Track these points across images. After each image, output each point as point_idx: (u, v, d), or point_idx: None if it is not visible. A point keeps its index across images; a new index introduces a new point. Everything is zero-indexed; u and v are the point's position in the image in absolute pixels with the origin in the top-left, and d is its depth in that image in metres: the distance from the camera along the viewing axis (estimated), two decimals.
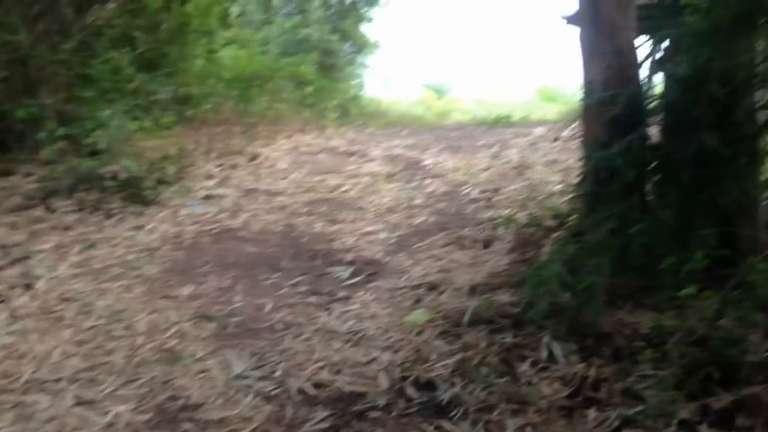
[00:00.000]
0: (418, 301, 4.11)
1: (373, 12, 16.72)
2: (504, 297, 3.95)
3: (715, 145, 3.65)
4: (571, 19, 15.46)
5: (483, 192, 6.38)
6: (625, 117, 3.93)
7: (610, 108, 3.98)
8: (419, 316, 3.88)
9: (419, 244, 5.12)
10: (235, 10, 12.86)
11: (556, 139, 8.96)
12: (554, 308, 3.55)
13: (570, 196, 5.65)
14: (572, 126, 9.39)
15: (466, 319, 3.64)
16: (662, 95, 3.86)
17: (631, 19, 4.08)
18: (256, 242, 5.19)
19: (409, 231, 5.46)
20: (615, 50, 4.02)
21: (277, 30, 14.97)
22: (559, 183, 6.50)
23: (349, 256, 4.92)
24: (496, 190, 6.37)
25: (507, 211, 5.65)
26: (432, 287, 4.26)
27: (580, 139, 4.60)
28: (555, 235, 4.56)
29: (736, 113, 3.77)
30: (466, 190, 6.53)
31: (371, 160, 8.25)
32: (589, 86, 4.18)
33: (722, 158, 3.69)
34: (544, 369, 3.22)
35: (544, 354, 3.33)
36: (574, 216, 4.73)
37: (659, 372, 3.02)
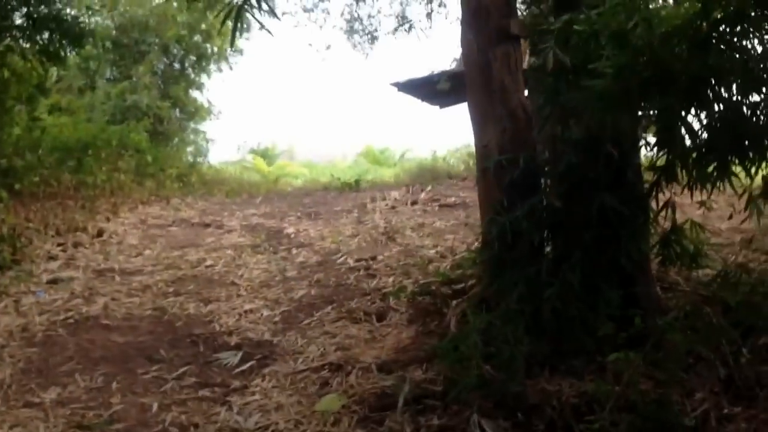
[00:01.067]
0: (324, 384, 3.77)
1: (205, 78, 16.23)
2: (417, 374, 3.72)
3: (615, 204, 3.71)
4: (402, 87, 15.99)
5: (359, 260, 6.17)
6: (525, 180, 3.92)
7: (509, 172, 3.96)
8: (331, 403, 3.54)
9: (307, 320, 4.79)
10: (53, 75, 11.86)
11: (414, 203, 9.01)
12: (478, 383, 3.36)
13: (451, 261, 5.61)
14: (427, 189, 9.55)
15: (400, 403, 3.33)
16: (558, 157, 3.87)
17: (520, 83, 4.12)
18: (124, 330, 4.59)
19: (292, 306, 5.11)
20: (509, 114, 4.02)
21: (103, 96, 14.04)
22: (433, 248, 6.46)
23: (233, 339, 4.49)
24: (372, 258, 6.18)
25: (390, 279, 5.47)
26: (336, 368, 3.94)
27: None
28: (455, 303, 4.43)
29: (627, 173, 3.89)
30: (341, 259, 6.29)
31: (230, 231, 7.80)
32: (484, 151, 4.15)
33: (622, 218, 3.76)
34: None
35: None
36: (471, 282, 4.66)
37: None
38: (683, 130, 3.47)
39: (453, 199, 8.93)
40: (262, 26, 3.80)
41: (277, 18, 4.10)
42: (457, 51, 18.57)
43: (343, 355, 4.11)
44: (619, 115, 3.31)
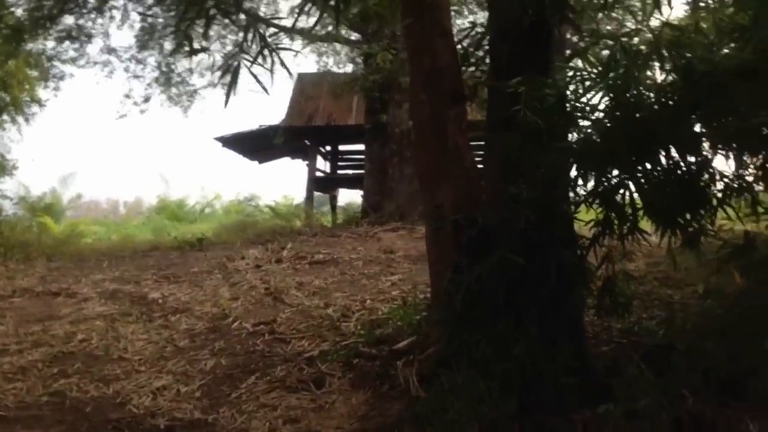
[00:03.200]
0: None
1: None
2: None
3: (574, 260, 3.87)
4: (226, 142, 15.80)
5: (257, 325, 5.82)
6: (481, 239, 3.96)
7: (466, 231, 3.98)
8: None
9: (235, 394, 4.41)
10: None
11: (279, 261, 8.74)
12: None
13: (357, 320, 5.50)
14: (288, 246, 9.34)
15: None
16: (514, 216, 3.95)
17: (469, 143, 4.20)
18: (27, 422, 3.92)
19: (208, 379, 4.68)
20: (463, 174, 4.07)
21: None
22: (327, 307, 6.29)
23: (161, 422, 4.00)
24: (271, 321, 5.86)
25: (305, 343, 5.22)
26: None
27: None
28: (400, 364, 4.32)
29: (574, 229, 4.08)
30: (235, 324, 5.89)
31: (86, 300, 7.03)
32: (437, 211, 4.14)
33: (576, 273, 3.92)
34: None
35: None
36: (409, 341, 4.58)
37: None
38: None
39: (321, 256, 8.78)
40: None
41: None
42: (282, 106, 18.66)
43: (296, 428, 3.83)
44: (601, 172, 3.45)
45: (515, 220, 3.88)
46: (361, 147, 19.30)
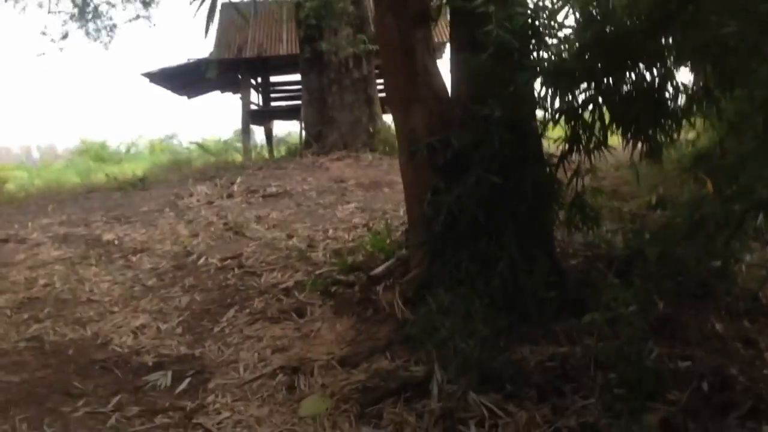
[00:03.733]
0: (290, 388, 3.56)
1: None
2: (385, 363, 3.67)
3: (546, 177, 3.99)
4: (154, 77, 15.34)
5: (224, 260, 5.80)
6: (457, 160, 4.02)
7: (441, 153, 4.03)
8: (315, 405, 3.36)
9: (217, 328, 4.43)
10: None
11: (230, 196, 8.65)
12: (465, 362, 3.41)
13: (325, 249, 5.55)
14: (238, 181, 9.23)
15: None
16: (487, 136, 4.01)
17: (437, 65, 4.20)
18: (10, 368, 3.85)
19: (186, 315, 4.68)
20: (434, 96, 4.09)
21: None
22: (289, 238, 6.31)
23: (148, 359, 4.01)
24: (237, 256, 5.85)
25: (277, 274, 5.24)
26: (291, 370, 3.73)
27: (400, 187, 4.53)
28: (380, 288, 4.41)
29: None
30: (201, 261, 5.86)
31: (39, 245, 6.83)
32: (411, 135, 4.16)
33: (550, 189, 4.05)
34: (494, 427, 3.08)
35: (480, 412, 3.16)
36: (387, 265, 4.66)
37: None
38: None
39: (273, 188, 8.73)
40: None
41: None
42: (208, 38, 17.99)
43: (287, 356, 3.90)
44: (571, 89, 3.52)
45: (489, 140, 3.94)
46: (293, 77, 19.01)
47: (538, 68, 3.58)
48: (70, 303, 5.02)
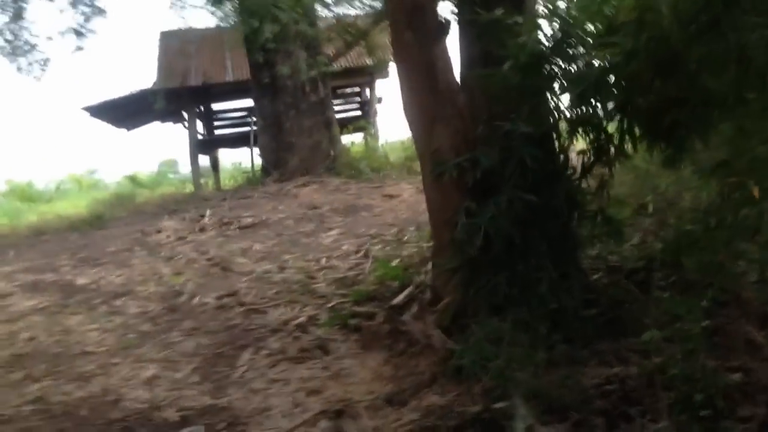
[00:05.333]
0: None
1: None
2: (434, 398, 3.46)
3: (580, 193, 3.89)
4: (94, 111, 14.86)
5: (219, 298, 5.51)
6: (486, 179, 3.88)
7: (470, 173, 3.89)
8: None
9: (236, 373, 4.14)
10: None
11: (203, 230, 8.31)
12: (531, 391, 3.24)
13: (327, 279, 5.33)
14: (207, 214, 8.91)
15: None
16: (513, 153, 3.87)
17: (459, 82, 4.06)
18: None
19: (198, 361, 4.37)
20: (458, 114, 3.95)
21: None
22: (281, 271, 6.06)
23: (171, 413, 3.69)
24: (234, 293, 5.56)
25: (286, 309, 4.99)
26: (335, 414, 3.48)
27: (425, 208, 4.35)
28: (407, 318, 4.22)
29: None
30: (195, 301, 5.54)
31: (9, 295, 6.36)
32: (436, 155, 4.00)
33: (579, 205, 3.96)
34: None
35: None
36: (407, 294, 4.48)
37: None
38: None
39: (248, 219, 8.42)
40: None
41: None
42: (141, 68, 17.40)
43: (324, 399, 3.65)
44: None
45: (517, 156, 3.82)
46: (238, 104, 18.70)
47: (582, 78, 3.46)
48: (64, 357, 4.64)
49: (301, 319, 4.68)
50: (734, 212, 3.94)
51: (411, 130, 4.17)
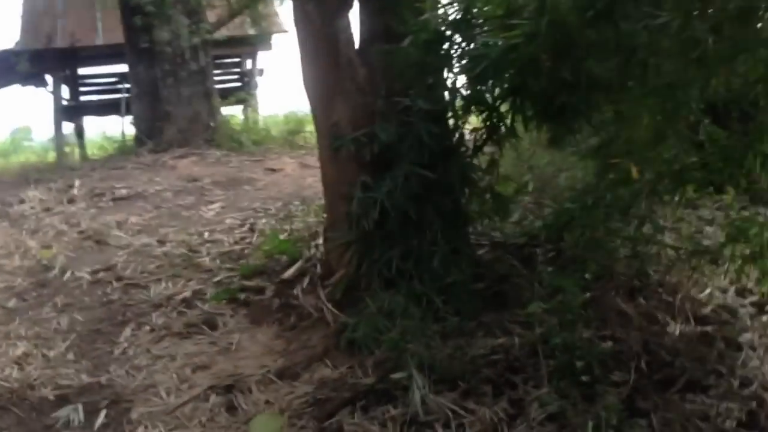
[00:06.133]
0: (231, 409, 3.26)
1: None
2: (327, 372, 3.47)
3: (474, 169, 3.98)
4: None
5: (95, 272, 5.20)
6: (383, 154, 3.88)
7: (366, 148, 3.88)
8: (266, 425, 3.11)
9: (117, 349, 3.96)
10: None
11: (72, 201, 7.83)
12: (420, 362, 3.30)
13: (211, 254, 5.21)
14: (76, 184, 8.42)
15: None
16: (411, 129, 3.89)
17: (360, 56, 4.02)
18: None
19: (73, 338, 4.14)
20: (358, 89, 3.92)
21: None
22: (160, 245, 5.83)
23: (47, 392, 3.49)
24: (109, 267, 5.28)
25: (167, 284, 4.79)
26: (225, 389, 3.41)
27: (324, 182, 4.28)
28: (298, 292, 4.17)
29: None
30: (67, 275, 5.20)
31: None
32: (334, 129, 3.95)
33: (472, 180, 4.05)
34: (461, 427, 3.02)
35: (444, 413, 3.09)
36: (298, 267, 4.43)
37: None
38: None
39: (123, 191, 7.99)
40: None
41: None
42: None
43: (212, 374, 3.57)
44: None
45: (414, 132, 3.85)
46: (108, 70, 17.68)
47: (480, 57, 3.51)
48: None
49: (186, 294, 4.52)
50: (610, 191, 4.17)
51: (310, 102, 4.09)
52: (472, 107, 3.98)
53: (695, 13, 3.13)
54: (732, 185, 4.76)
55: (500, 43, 3.32)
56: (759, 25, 3.26)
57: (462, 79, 3.89)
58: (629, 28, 3.25)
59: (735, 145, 3.75)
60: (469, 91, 3.89)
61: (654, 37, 3.26)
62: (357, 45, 4.14)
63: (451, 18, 3.59)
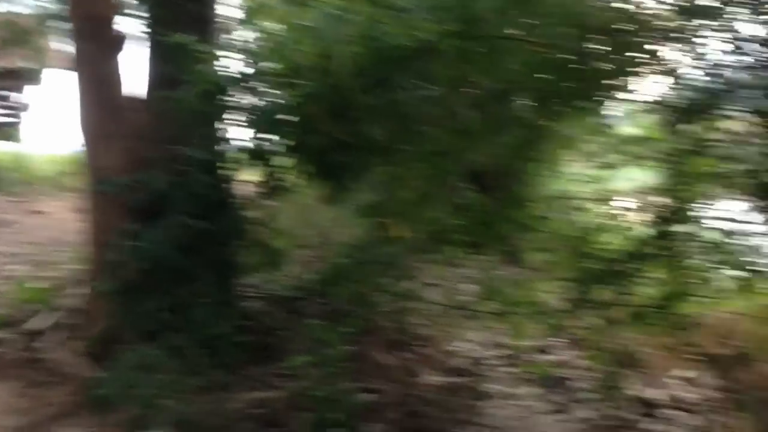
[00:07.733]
0: None
1: None
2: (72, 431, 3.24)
3: (253, 221, 4.00)
4: None
5: None
6: (154, 202, 3.78)
7: (135, 194, 3.75)
8: None
9: None
10: None
11: None
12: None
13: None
14: None
15: None
16: (185, 178, 3.82)
17: (139, 102, 3.91)
18: None
19: None
20: (133, 133, 3.79)
21: None
22: None
23: None
24: None
25: None
26: None
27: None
28: (44, 345, 3.87)
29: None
30: None
31: None
32: (99, 173, 3.77)
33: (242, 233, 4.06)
34: None
35: None
36: (54, 316, 4.12)
37: None
38: None
39: None
40: None
41: None
42: None
43: None
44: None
45: (189, 181, 3.79)
46: None
47: (252, 112, 3.56)
48: None
49: None
50: (377, 249, 4.37)
51: (83, 143, 3.89)
52: (251, 160, 4.03)
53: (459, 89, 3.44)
54: (489, 247, 5.19)
55: (281, 100, 3.41)
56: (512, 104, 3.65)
57: (239, 132, 3.92)
58: (402, 96, 3.50)
59: (492, 210, 4.10)
60: (251, 145, 3.93)
61: (423, 107, 3.53)
62: (145, 89, 4.04)
63: (230, 70, 3.61)
